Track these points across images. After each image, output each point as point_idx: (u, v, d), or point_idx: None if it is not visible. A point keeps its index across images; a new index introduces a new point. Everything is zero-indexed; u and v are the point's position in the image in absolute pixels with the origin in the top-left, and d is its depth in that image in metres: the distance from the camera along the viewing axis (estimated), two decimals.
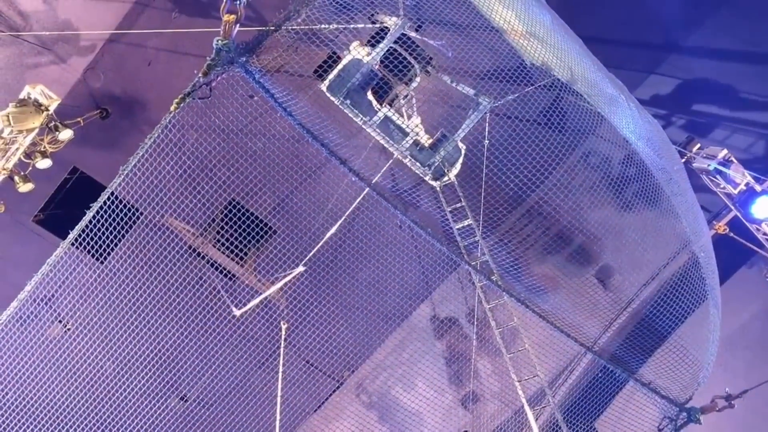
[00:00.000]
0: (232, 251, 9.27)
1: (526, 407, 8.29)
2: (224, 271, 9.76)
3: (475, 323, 9.64)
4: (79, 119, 9.35)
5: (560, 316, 7.57)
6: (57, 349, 9.24)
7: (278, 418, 8.88)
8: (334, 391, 11.74)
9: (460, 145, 7.28)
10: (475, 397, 11.05)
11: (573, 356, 8.95)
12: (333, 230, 7.85)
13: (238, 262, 9.51)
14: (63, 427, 9.33)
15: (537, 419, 8.37)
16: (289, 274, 8.31)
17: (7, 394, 8.82)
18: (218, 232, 9.31)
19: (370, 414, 11.65)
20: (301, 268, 8.25)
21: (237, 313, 8.70)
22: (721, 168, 8.92)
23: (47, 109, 8.66)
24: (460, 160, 7.42)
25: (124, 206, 8.06)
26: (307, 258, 8.21)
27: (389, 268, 10.16)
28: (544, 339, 8.54)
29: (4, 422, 8.98)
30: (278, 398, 8.98)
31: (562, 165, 8.07)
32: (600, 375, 8.21)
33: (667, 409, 7.37)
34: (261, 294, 8.73)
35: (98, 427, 9.72)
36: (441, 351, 11.40)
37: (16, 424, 9.06)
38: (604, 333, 8.63)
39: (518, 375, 8.60)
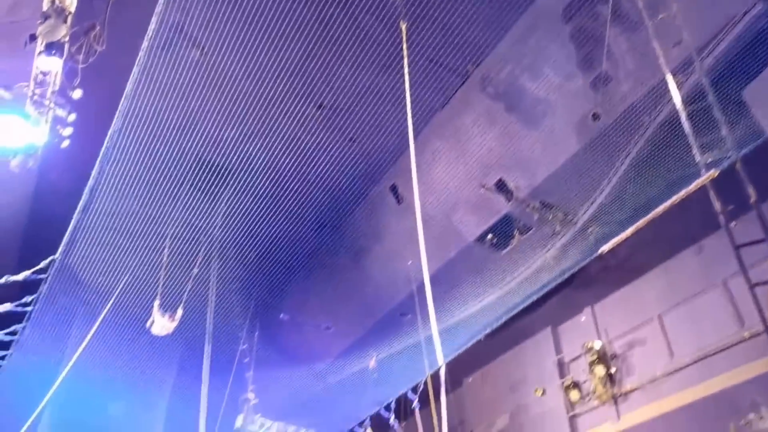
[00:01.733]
0: None
1: (668, 77, 7.87)
2: None
3: None
4: None
5: None
6: (200, 71, 9.98)
7: (409, 115, 9.29)
8: (460, 86, 11.89)
9: None
10: (607, 78, 10.69)
11: (732, 15, 8.00)
12: None
13: None
14: (218, 140, 10.61)
15: (679, 89, 8.00)
16: None
17: (167, 109, 9.89)
18: None
19: (497, 105, 11.86)
20: None
21: None
22: None
23: None
24: None
25: None
26: None
27: None
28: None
29: (171, 133, 10.25)
30: (407, 98, 9.23)
31: None
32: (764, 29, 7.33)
33: None
34: None
35: (248, 143, 10.95)
36: (570, 34, 10.74)
37: (178, 137, 10.39)
38: None
39: (661, 45, 7.98)
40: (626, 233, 7.90)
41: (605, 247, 8.24)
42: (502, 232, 12.72)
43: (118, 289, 11.12)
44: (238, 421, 14.34)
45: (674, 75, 7.88)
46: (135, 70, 8.46)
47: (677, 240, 12.30)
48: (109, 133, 9.03)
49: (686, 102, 7.72)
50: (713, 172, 6.94)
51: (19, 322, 10.92)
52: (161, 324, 10.88)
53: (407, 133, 8.40)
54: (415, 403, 12.45)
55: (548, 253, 11.64)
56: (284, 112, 11.01)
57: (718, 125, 7.22)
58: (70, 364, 10.40)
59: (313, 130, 11.34)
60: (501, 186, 12.27)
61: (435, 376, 10.59)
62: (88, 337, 10.40)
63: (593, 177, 10.48)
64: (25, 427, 10.88)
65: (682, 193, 7.16)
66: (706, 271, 11.72)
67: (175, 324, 11.05)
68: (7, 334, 10.94)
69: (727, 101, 8.22)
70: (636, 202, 9.10)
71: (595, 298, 14.23)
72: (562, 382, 13.70)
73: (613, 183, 9.91)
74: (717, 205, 7.24)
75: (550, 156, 11.39)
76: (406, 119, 8.65)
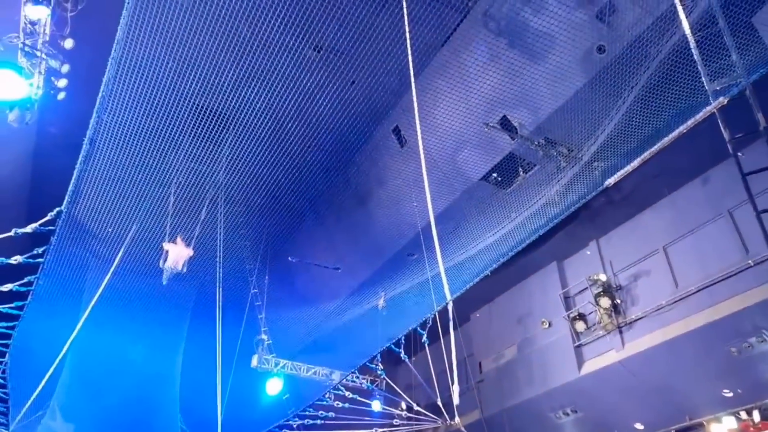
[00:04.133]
0: None
1: (677, 4, 7.59)
2: None
3: None
4: None
5: None
6: (193, 14, 9.65)
7: (410, 54, 9.05)
8: (460, 22, 11.52)
9: None
10: (612, 9, 10.33)
11: None
12: None
13: None
14: (215, 85, 10.39)
15: (688, 16, 7.73)
16: None
17: (161, 55, 9.62)
18: None
19: (499, 41, 11.52)
20: None
21: None
22: None
23: None
24: None
25: None
26: None
27: None
28: None
29: (167, 79, 10.04)
30: (407, 34, 8.96)
31: None
32: None
33: None
34: None
35: (246, 87, 10.72)
36: None
37: (174, 84, 10.18)
38: None
39: None
40: (632, 165, 7.85)
41: (611, 180, 8.22)
42: (507, 170, 12.66)
43: (128, 238, 11.26)
44: (254, 361, 14.84)
45: (681, 1, 7.58)
46: (124, 14, 8.21)
47: (684, 172, 12.24)
48: (103, 81, 8.87)
49: (695, 28, 7.47)
50: (722, 99, 6.81)
51: (33, 273, 11.15)
52: (176, 252, 10.92)
53: (408, 73, 8.20)
54: (425, 338, 12.78)
55: (553, 189, 11.61)
56: (281, 54, 10.75)
57: (728, 51, 7.01)
58: (87, 311, 10.69)
59: (311, 73, 11.11)
60: (505, 123, 12.11)
61: (443, 312, 10.81)
62: (102, 285, 10.63)
63: (599, 111, 10.31)
64: (50, 371, 11.32)
65: (690, 122, 7.07)
66: (712, 202, 11.72)
67: (190, 252, 11.09)
68: (22, 285, 11.18)
69: (736, 26, 7.96)
70: (642, 133, 8.98)
71: (601, 232, 14.33)
72: (568, 314, 13.99)
73: (619, 116, 9.75)
74: (726, 134, 7.14)
75: (554, 91, 11.16)
76: (406, 59, 8.44)
